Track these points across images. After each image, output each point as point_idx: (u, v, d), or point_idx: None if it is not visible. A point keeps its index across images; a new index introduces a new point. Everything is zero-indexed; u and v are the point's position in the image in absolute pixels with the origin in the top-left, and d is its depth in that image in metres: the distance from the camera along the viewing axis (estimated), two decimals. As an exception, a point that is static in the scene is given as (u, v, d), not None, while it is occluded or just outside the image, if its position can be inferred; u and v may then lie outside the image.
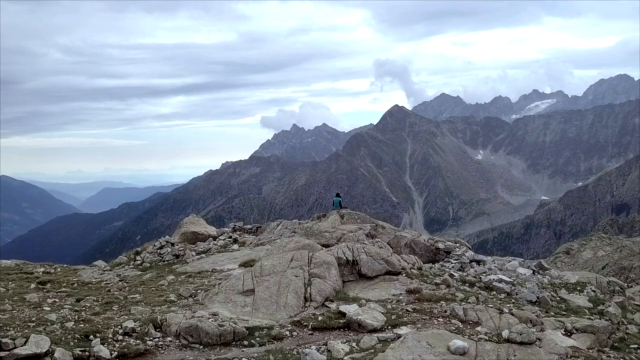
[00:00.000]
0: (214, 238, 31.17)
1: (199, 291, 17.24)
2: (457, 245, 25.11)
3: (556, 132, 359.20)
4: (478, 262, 22.08)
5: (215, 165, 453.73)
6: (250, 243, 28.87)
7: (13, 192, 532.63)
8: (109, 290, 18.94)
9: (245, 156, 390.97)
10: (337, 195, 33.48)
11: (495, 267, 21.41)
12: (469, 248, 25.63)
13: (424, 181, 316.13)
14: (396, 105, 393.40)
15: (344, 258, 17.95)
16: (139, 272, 22.86)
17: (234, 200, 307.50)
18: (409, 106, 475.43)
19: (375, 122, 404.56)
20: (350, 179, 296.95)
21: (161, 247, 27.61)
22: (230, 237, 31.62)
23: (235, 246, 28.40)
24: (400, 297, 16.26)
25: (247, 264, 20.64)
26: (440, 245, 23.98)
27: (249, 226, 36.27)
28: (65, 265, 26.06)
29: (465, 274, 19.99)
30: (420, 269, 19.97)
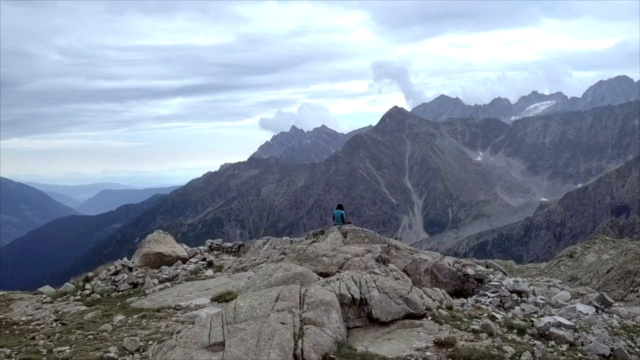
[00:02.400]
0: (184, 260, 26.30)
1: (150, 342, 13.35)
2: (490, 270, 20.88)
3: (555, 134, 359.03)
4: (520, 293, 18.04)
5: (214, 167, 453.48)
6: (229, 267, 24.37)
7: (11, 194, 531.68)
8: (33, 338, 14.89)
9: (244, 158, 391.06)
10: (339, 207, 26.23)
11: (543, 300, 17.77)
12: (504, 273, 21.73)
13: (424, 183, 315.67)
14: (395, 107, 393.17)
15: (349, 296, 13.89)
16: (83, 308, 18.65)
17: (233, 202, 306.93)
18: (407, 108, 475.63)
19: (374, 124, 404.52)
20: (350, 181, 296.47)
21: (116, 273, 22.95)
22: (204, 259, 26.61)
23: (210, 272, 23.94)
24: (428, 354, 12.18)
25: (221, 299, 16.81)
26: (470, 271, 19.80)
27: (229, 244, 30.74)
28: (1, 293, 22.25)
29: (510, 314, 15.66)
30: (450, 307, 15.62)
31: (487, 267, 22.58)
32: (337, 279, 14.94)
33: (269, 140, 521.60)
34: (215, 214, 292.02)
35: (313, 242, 22.59)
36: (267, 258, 23.82)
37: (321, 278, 16.10)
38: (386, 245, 21.78)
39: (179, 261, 25.87)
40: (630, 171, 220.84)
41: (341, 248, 20.73)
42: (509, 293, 17.85)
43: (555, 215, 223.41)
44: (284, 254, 22.74)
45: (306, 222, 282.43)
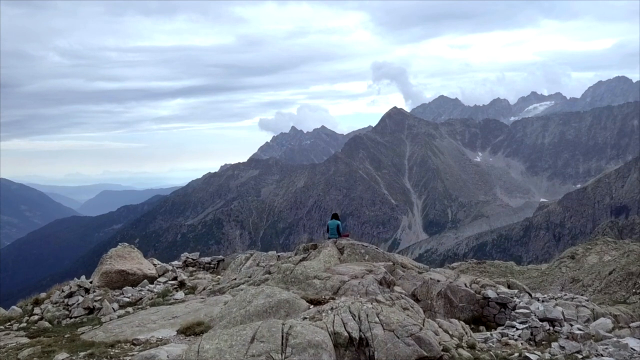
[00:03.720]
0: (152, 280, 22.74)
1: None
2: (515, 292, 18.06)
3: (555, 134, 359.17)
4: (552, 321, 15.49)
5: (214, 167, 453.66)
6: (204, 289, 20.95)
7: (12, 195, 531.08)
8: None
9: (243, 159, 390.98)
10: (334, 216, 22.70)
11: (580, 330, 15.14)
12: (529, 294, 19.29)
13: (423, 183, 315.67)
14: (395, 108, 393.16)
15: (345, 334, 10.97)
16: (24, 340, 15.36)
17: (233, 202, 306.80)
18: (407, 108, 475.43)
19: (373, 125, 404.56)
20: (349, 181, 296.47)
21: (70, 295, 19.62)
22: (176, 277, 23.05)
23: (180, 294, 20.43)
24: None
25: (190, 331, 13.82)
26: (491, 294, 17.30)
27: (207, 259, 27.42)
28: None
29: (547, 355, 12.76)
30: (472, 346, 12.80)
31: (509, 286, 19.90)
32: (331, 309, 12.14)
33: (268, 141, 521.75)
34: (215, 215, 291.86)
35: (303, 259, 19.44)
36: (250, 277, 20.62)
37: (311, 306, 13.27)
38: (391, 263, 18.87)
39: (146, 280, 22.29)
40: (629, 171, 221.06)
41: (337, 267, 17.45)
42: (540, 322, 15.37)
43: (555, 215, 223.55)
44: (269, 272, 19.72)
45: (306, 222, 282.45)
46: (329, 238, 21.76)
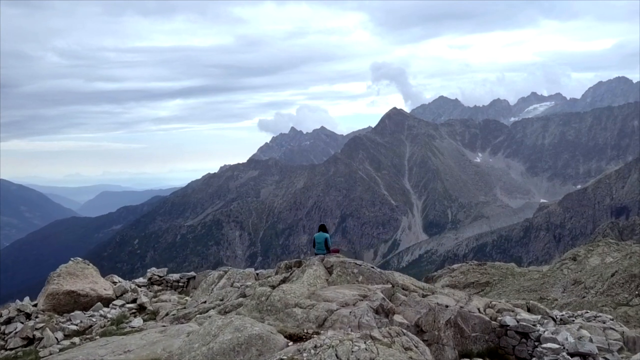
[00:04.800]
0: (108, 302, 19.72)
1: None
2: (537, 318, 15.38)
3: (555, 135, 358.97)
4: (585, 356, 13.18)
5: (214, 168, 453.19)
6: (167, 314, 18.07)
7: (11, 196, 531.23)
8: None
9: (243, 159, 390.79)
10: (322, 228, 19.50)
11: None
12: (554, 320, 17.13)
13: (423, 184, 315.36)
14: (394, 108, 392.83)
15: None
16: None
17: (232, 203, 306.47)
18: (406, 109, 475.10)
19: (373, 125, 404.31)
20: (349, 182, 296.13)
21: (8, 321, 16.98)
22: (135, 299, 19.93)
23: (138, 320, 17.47)
24: None
25: None
26: (509, 321, 14.87)
27: (175, 276, 24.23)
28: None
29: None
30: None
31: (529, 310, 17.19)
32: (315, 348, 9.83)
33: (268, 142, 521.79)
34: (215, 216, 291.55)
35: (284, 280, 16.37)
36: (221, 300, 17.57)
37: (290, 343, 10.87)
38: (389, 285, 15.82)
39: (100, 304, 19.12)
40: (629, 172, 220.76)
41: (323, 292, 14.40)
42: (569, 355, 13.06)
43: (555, 216, 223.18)
44: (244, 295, 16.46)
45: (305, 223, 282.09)
46: (315, 254, 18.65)
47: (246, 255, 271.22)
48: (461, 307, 15.06)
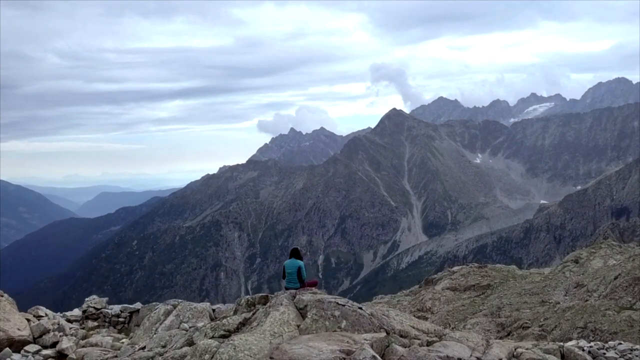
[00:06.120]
0: (22, 345, 15.21)
1: None
2: None
3: (555, 136, 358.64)
4: None
5: (213, 169, 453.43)
6: None
7: (10, 197, 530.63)
8: None
9: (242, 160, 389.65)
10: (294, 253, 15.30)
11: None
12: None
13: (422, 185, 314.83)
14: (394, 109, 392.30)
15: None
16: None
17: (231, 204, 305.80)
18: (406, 110, 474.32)
19: (372, 126, 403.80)
20: (348, 183, 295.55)
21: None
22: (56, 343, 15.70)
23: None
24: None
25: None
26: None
27: (116, 309, 19.82)
28: None
29: None
30: None
31: (563, 357, 13.74)
32: None
33: (267, 143, 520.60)
34: (214, 217, 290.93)
35: (244, 322, 12.25)
36: (163, 347, 13.53)
37: None
38: (382, 334, 11.35)
39: (8, 350, 14.68)
40: (630, 173, 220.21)
41: (291, 346, 9.97)
42: None
43: (555, 217, 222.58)
44: (191, 343, 12.13)
45: (305, 224, 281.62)
46: (285, 288, 14.57)
47: (245, 257, 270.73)
48: (478, 358, 11.17)
